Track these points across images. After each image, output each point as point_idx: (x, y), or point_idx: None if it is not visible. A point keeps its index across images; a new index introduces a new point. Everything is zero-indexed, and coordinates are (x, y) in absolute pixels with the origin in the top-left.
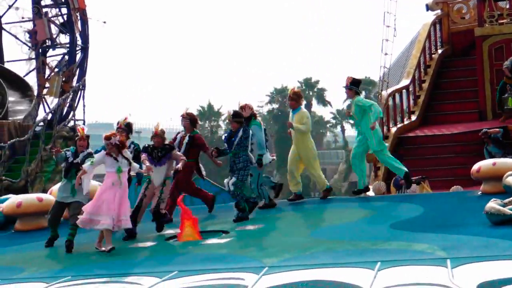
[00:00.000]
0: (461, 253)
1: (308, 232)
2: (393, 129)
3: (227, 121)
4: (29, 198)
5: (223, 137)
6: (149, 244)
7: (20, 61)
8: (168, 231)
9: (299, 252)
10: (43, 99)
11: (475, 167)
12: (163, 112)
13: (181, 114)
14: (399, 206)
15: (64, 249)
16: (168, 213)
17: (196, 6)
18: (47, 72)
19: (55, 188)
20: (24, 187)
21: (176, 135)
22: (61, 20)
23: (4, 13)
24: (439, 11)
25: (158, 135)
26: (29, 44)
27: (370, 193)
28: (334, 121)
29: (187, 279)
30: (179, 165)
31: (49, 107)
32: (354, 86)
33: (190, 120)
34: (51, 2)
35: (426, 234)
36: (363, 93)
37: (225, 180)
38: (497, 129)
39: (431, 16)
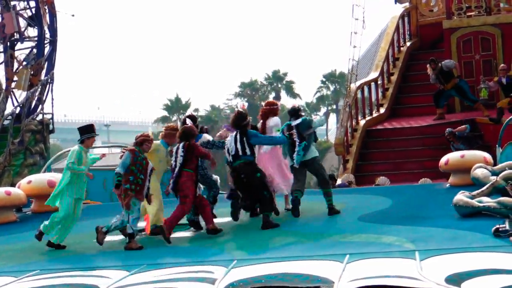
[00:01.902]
0: (429, 246)
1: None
2: (362, 122)
3: (195, 114)
4: None
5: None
6: (118, 238)
7: None
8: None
9: (268, 245)
10: (11, 93)
11: (443, 159)
12: (132, 105)
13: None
14: (368, 199)
15: (32, 242)
16: None
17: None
18: (15, 65)
19: (24, 181)
20: None
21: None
22: (29, 13)
23: None
24: (407, 4)
25: None
26: None
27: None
28: (303, 114)
29: (156, 272)
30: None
31: (17, 100)
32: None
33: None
34: None
35: (395, 226)
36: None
37: None
38: (463, 126)
39: (399, 8)
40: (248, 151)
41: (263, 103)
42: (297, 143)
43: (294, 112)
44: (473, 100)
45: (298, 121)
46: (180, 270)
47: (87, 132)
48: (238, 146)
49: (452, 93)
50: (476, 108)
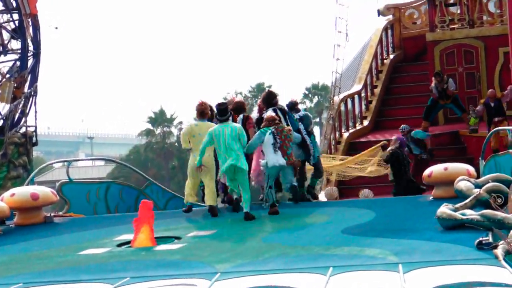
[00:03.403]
0: (413, 258)
1: (260, 237)
2: (345, 134)
3: (179, 127)
4: None
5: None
6: (101, 250)
7: None
8: (121, 237)
9: (252, 257)
10: None
11: (427, 172)
12: (116, 118)
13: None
14: (351, 211)
15: (15, 255)
16: None
17: (149, 12)
18: None
19: (7, 194)
20: None
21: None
22: (13, 26)
23: None
24: (390, 17)
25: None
26: None
27: (322, 197)
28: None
29: (140, 285)
30: None
31: (0, 113)
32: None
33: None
34: (3, 8)
35: (378, 239)
36: (315, 98)
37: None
38: (421, 131)
39: (383, 21)
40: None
41: (248, 115)
42: (306, 138)
43: (293, 106)
44: (463, 110)
45: (301, 113)
46: (163, 283)
47: None
48: None
49: (447, 105)
50: (463, 118)
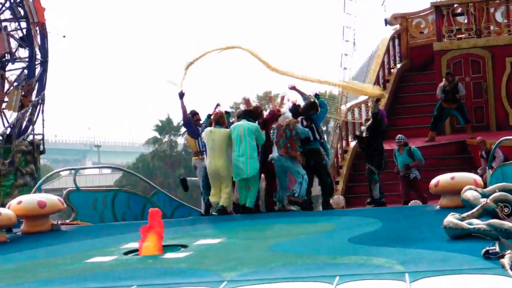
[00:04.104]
0: (419, 267)
1: (267, 246)
2: (352, 143)
3: (186, 135)
4: None
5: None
6: (108, 258)
7: None
8: (128, 245)
9: (258, 266)
10: (2, 113)
11: (434, 181)
12: (123, 126)
13: None
14: (358, 220)
15: (23, 263)
16: None
17: (156, 19)
18: (6, 86)
19: (14, 202)
20: None
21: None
22: (21, 34)
23: None
24: (398, 26)
25: None
26: None
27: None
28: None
29: None
30: None
31: (8, 121)
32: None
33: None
34: (11, 16)
35: (385, 248)
36: None
37: None
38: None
39: (390, 30)
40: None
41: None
42: (322, 140)
43: (296, 109)
44: (467, 120)
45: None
46: None
47: None
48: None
49: (453, 111)
50: (465, 128)
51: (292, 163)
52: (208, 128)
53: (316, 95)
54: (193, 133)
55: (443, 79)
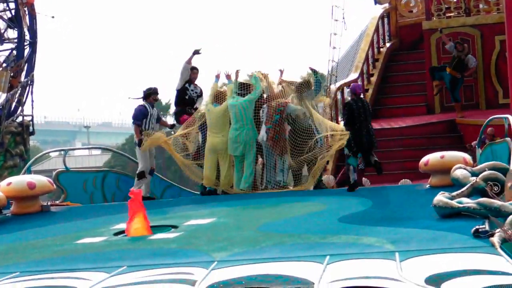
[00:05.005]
0: (409, 246)
1: (257, 226)
2: (342, 123)
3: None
4: None
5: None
6: (98, 239)
7: None
8: (118, 226)
9: (248, 246)
10: None
11: (423, 160)
12: (112, 107)
13: None
14: (348, 200)
15: (12, 244)
16: None
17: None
18: None
19: (3, 183)
20: None
21: None
22: (9, 15)
23: None
24: (387, 5)
25: None
26: None
27: None
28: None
29: (137, 274)
30: None
31: None
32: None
33: None
34: None
35: (375, 227)
36: None
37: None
38: None
39: (379, 9)
40: None
41: None
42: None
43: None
44: (456, 99)
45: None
46: (160, 272)
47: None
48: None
49: (450, 80)
50: (454, 107)
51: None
52: (208, 106)
53: (313, 71)
54: None
55: (457, 44)
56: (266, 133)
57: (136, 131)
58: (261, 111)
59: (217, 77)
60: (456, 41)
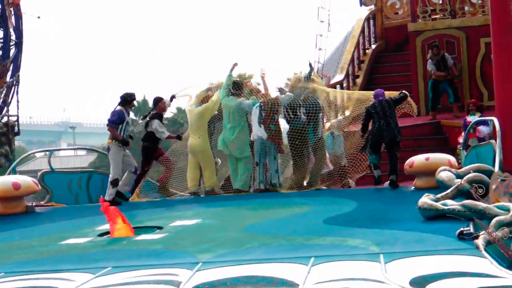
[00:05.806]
0: (394, 248)
1: (242, 227)
2: (327, 124)
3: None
4: None
5: None
6: (83, 240)
7: None
8: (103, 227)
9: (233, 247)
10: None
11: (408, 162)
12: (99, 107)
13: None
14: (333, 201)
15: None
16: None
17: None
18: None
19: None
20: None
21: None
22: None
23: None
24: (372, 6)
25: None
26: None
27: None
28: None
29: (121, 275)
30: None
31: None
32: None
33: None
34: None
35: (360, 229)
36: None
37: None
38: None
39: (365, 11)
40: None
41: None
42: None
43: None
44: (458, 98)
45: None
46: (145, 273)
47: None
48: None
49: (446, 87)
50: (452, 106)
51: (275, 150)
52: (190, 108)
53: (310, 67)
54: None
55: (429, 51)
56: (267, 133)
57: (114, 133)
58: (254, 108)
59: (209, 89)
60: (433, 44)
